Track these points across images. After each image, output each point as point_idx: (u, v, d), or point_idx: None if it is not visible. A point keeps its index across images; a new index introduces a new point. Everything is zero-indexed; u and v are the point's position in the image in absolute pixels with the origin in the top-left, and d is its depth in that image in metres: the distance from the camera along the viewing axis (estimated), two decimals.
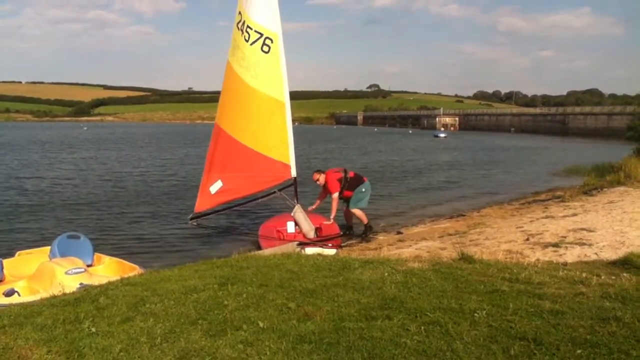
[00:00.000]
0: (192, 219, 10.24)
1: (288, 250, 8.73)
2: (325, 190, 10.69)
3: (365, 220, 10.72)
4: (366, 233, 10.68)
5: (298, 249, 8.72)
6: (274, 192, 10.55)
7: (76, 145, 46.33)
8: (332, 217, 10.23)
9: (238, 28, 10.06)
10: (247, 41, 9.96)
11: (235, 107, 10.26)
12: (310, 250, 8.64)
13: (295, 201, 10.30)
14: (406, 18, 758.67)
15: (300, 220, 9.96)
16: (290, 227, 10.01)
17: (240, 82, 10.09)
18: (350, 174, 10.76)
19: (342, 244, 9.79)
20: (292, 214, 10.04)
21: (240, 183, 10.13)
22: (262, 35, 9.95)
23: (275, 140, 10.24)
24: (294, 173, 10.46)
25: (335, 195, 10.42)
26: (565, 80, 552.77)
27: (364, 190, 10.75)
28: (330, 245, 9.00)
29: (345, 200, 10.78)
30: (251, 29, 9.94)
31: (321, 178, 10.65)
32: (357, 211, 10.65)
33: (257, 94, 10.08)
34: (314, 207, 10.77)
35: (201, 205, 10.20)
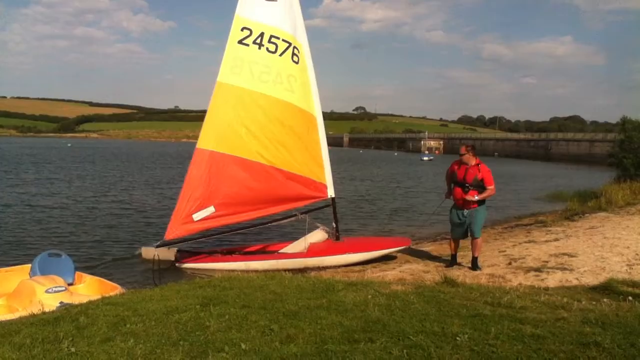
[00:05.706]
0: (159, 246, 9.42)
1: (166, 255, 9.81)
2: (468, 175, 8.52)
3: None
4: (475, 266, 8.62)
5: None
6: (295, 215, 10.20)
7: (60, 162, 45.88)
8: (478, 197, 8.39)
9: (246, 44, 9.27)
10: (273, 52, 9.35)
11: (249, 126, 9.38)
12: (189, 265, 9.76)
13: (334, 224, 10.11)
14: (392, 42, 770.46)
15: (305, 239, 9.88)
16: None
17: (264, 99, 9.37)
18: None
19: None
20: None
21: (252, 206, 9.59)
22: (290, 44, 9.45)
23: (309, 157, 9.79)
24: (331, 193, 10.00)
25: (493, 187, 8.52)
26: (548, 107, 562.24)
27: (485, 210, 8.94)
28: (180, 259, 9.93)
29: (458, 202, 8.83)
30: (278, 38, 9.36)
31: (473, 160, 8.54)
32: (480, 240, 8.82)
33: (291, 107, 9.55)
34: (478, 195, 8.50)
35: (174, 232, 9.34)
